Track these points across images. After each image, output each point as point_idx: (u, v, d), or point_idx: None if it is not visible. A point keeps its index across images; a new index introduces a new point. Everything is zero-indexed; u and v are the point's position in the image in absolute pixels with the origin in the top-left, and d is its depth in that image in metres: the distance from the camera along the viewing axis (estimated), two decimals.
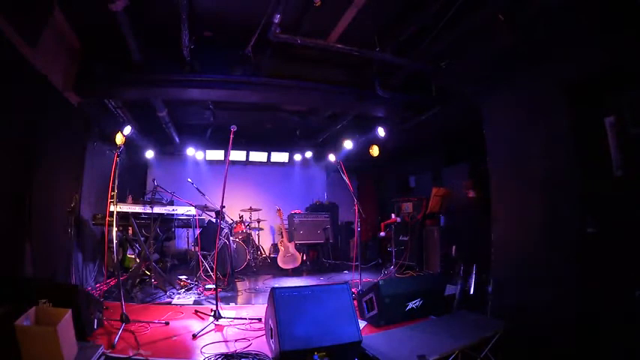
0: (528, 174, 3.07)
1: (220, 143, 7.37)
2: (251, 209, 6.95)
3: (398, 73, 4.35)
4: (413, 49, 3.78)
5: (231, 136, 3.47)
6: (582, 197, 2.61)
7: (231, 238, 5.47)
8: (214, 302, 3.30)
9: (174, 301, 3.91)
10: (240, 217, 6.84)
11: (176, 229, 5.82)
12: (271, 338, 2.48)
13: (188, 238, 6.47)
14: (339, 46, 3.73)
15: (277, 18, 3.14)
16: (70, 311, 2.25)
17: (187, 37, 3.46)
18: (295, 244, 6.15)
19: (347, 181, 4.51)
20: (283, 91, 4.49)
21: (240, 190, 7.68)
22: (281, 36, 3.41)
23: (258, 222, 7.07)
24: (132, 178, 6.98)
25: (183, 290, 4.38)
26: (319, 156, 8.07)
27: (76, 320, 2.31)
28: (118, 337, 2.66)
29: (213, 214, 4.94)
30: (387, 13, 3.53)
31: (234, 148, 3.65)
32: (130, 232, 4.81)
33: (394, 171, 8.01)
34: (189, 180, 5.20)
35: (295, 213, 6.73)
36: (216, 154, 7.70)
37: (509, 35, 3.02)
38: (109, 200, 3.23)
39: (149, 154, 6.90)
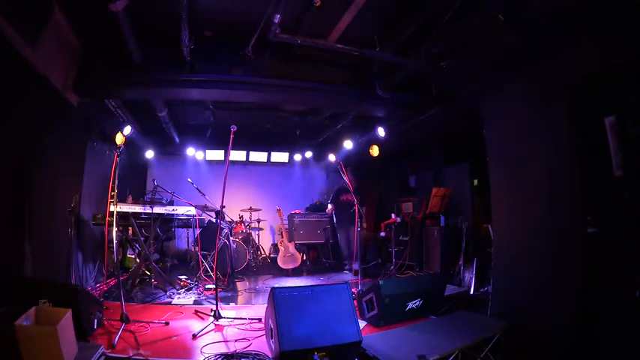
0: (528, 174, 3.07)
1: (220, 143, 7.36)
2: (251, 209, 6.95)
3: (398, 73, 4.34)
4: (413, 49, 3.78)
5: (231, 136, 3.47)
6: (582, 197, 2.62)
7: (231, 238, 5.47)
8: (214, 302, 3.30)
9: (174, 301, 3.91)
10: (240, 217, 6.84)
11: (176, 229, 5.81)
12: (271, 338, 2.48)
13: (188, 238, 6.48)
14: (339, 46, 3.72)
15: (277, 18, 3.14)
16: (70, 311, 2.25)
17: (187, 37, 3.45)
18: (295, 244, 6.15)
19: (347, 181, 4.51)
20: (283, 91, 4.48)
21: (240, 190, 7.68)
22: (281, 36, 3.41)
23: (258, 222, 7.07)
24: (132, 178, 6.98)
25: (183, 290, 4.38)
26: (319, 156, 8.07)
27: (76, 320, 2.31)
28: (118, 337, 2.66)
29: (213, 214, 4.94)
30: (387, 13, 3.53)
31: (234, 148, 3.65)
32: (130, 232, 4.81)
33: (394, 171, 8.00)
34: (189, 180, 5.20)
35: (295, 213, 6.72)
36: (216, 154, 7.69)
37: (509, 35, 3.02)
38: (109, 200, 3.23)
39: (149, 154, 6.90)
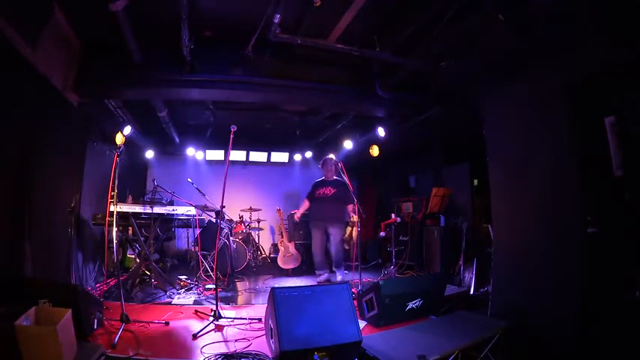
0: (528, 174, 3.07)
1: (220, 143, 7.37)
2: (251, 209, 6.95)
3: (398, 72, 4.34)
4: (413, 49, 3.78)
5: (231, 136, 3.47)
6: (582, 197, 2.61)
7: (231, 238, 5.47)
8: (214, 302, 3.30)
9: (174, 301, 3.91)
10: (240, 217, 6.84)
11: (176, 229, 5.81)
12: (271, 338, 2.48)
13: (188, 238, 6.48)
14: (339, 46, 3.72)
15: (277, 18, 3.14)
16: (70, 311, 2.24)
17: (187, 37, 3.45)
18: (295, 244, 6.15)
19: (347, 181, 4.51)
20: (283, 91, 4.49)
21: (240, 190, 7.68)
22: (281, 36, 3.41)
23: (258, 222, 7.07)
24: (132, 178, 6.98)
25: (183, 290, 4.38)
26: (319, 156, 8.07)
27: (76, 320, 2.30)
28: (118, 337, 2.65)
29: (213, 214, 4.94)
30: (387, 13, 3.53)
31: (234, 148, 3.64)
32: (130, 232, 4.81)
33: (394, 171, 8.01)
34: (189, 180, 5.20)
35: (295, 213, 6.71)
36: (216, 154, 7.70)
37: (509, 35, 3.02)
38: (109, 200, 3.23)
39: (149, 154, 6.91)
